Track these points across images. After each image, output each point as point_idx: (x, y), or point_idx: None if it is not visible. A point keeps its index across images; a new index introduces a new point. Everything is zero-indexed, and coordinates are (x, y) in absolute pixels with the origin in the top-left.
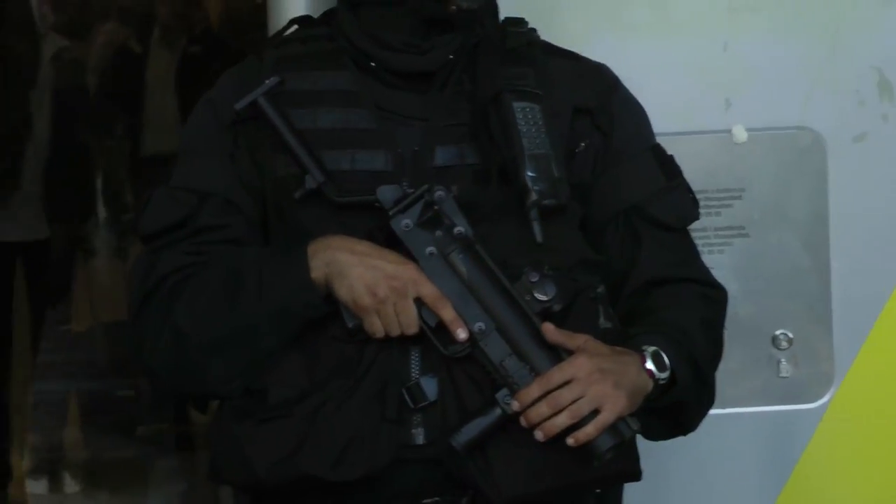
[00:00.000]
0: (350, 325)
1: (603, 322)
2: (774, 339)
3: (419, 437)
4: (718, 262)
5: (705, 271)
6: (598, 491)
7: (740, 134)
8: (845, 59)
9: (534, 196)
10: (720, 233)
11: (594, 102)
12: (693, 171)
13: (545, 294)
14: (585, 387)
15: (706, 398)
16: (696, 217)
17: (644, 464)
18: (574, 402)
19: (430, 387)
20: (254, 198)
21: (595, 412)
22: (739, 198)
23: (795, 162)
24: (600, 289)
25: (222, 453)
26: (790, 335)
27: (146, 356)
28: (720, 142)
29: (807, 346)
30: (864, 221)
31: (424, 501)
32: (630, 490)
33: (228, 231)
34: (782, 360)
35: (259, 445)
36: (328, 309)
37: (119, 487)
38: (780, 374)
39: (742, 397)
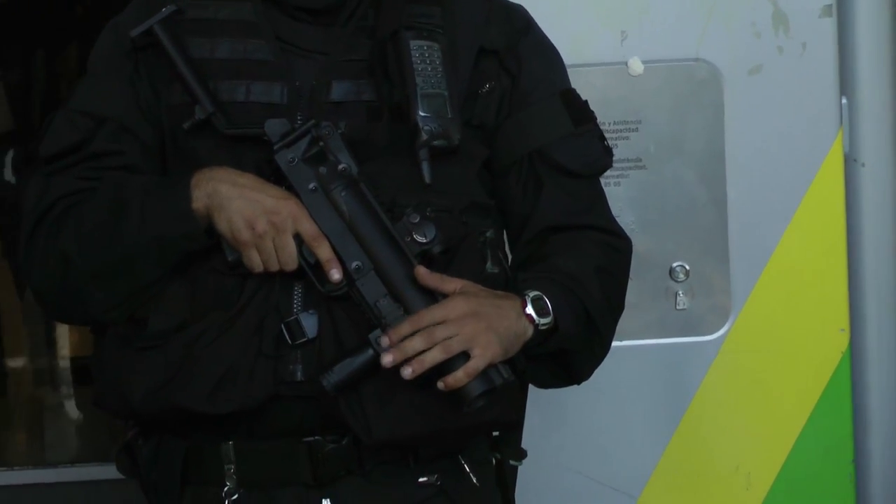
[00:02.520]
0: (230, 258)
1: (490, 267)
2: (671, 272)
3: (297, 373)
4: (615, 194)
5: (609, 219)
6: (493, 433)
7: (636, 66)
8: None
9: (424, 136)
10: (617, 165)
11: (502, 43)
12: (592, 103)
13: (424, 236)
14: (457, 328)
15: (598, 348)
16: (606, 165)
17: (539, 396)
18: (447, 339)
19: (309, 323)
20: (151, 124)
21: (466, 356)
22: (636, 130)
23: (691, 94)
24: (489, 233)
25: (102, 381)
26: (687, 267)
27: (34, 279)
28: (616, 74)
29: (704, 278)
30: (760, 154)
31: (305, 440)
32: (527, 425)
33: (123, 157)
34: (679, 292)
35: (135, 374)
36: (209, 241)
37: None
38: (678, 307)
39: (639, 330)
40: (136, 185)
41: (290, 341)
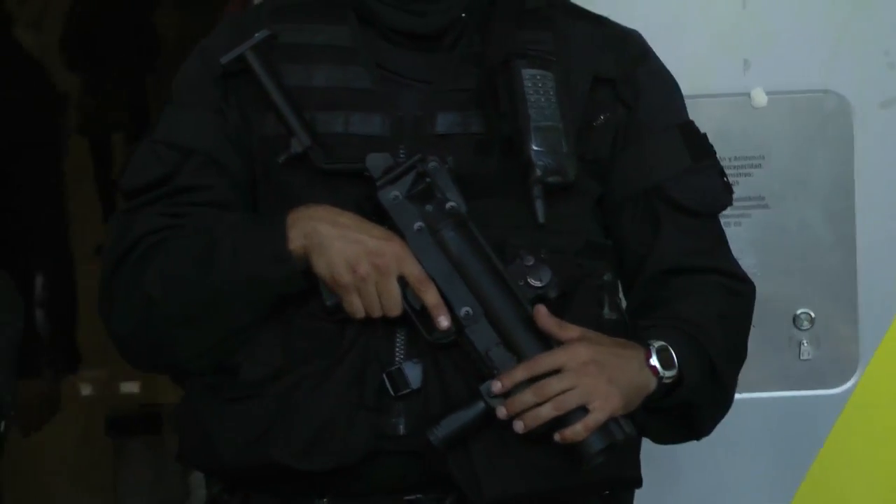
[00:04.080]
0: (328, 303)
1: (608, 312)
2: (795, 319)
3: (399, 426)
4: (735, 235)
5: (731, 262)
6: (606, 492)
7: (759, 97)
8: (872, 17)
9: (538, 172)
10: (737, 204)
11: (618, 72)
12: (709, 137)
13: (539, 279)
14: (576, 378)
15: (721, 400)
16: (726, 204)
17: (651, 452)
18: (562, 393)
19: (413, 373)
20: (241, 157)
21: (585, 410)
22: (758, 166)
23: (818, 128)
24: (607, 276)
25: (189, 434)
26: (812, 315)
27: (115, 323)
28: (738, 106)
29: (830, 326)
30: (892, 192)
31: (406, 498)
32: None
33: (211, 192)
34: (803, 341)
35: (225, 427)
36: (306, 284)
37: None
38: (801, 357)
39: (760, 381)
40: (227, 222)
41: (392, 392)
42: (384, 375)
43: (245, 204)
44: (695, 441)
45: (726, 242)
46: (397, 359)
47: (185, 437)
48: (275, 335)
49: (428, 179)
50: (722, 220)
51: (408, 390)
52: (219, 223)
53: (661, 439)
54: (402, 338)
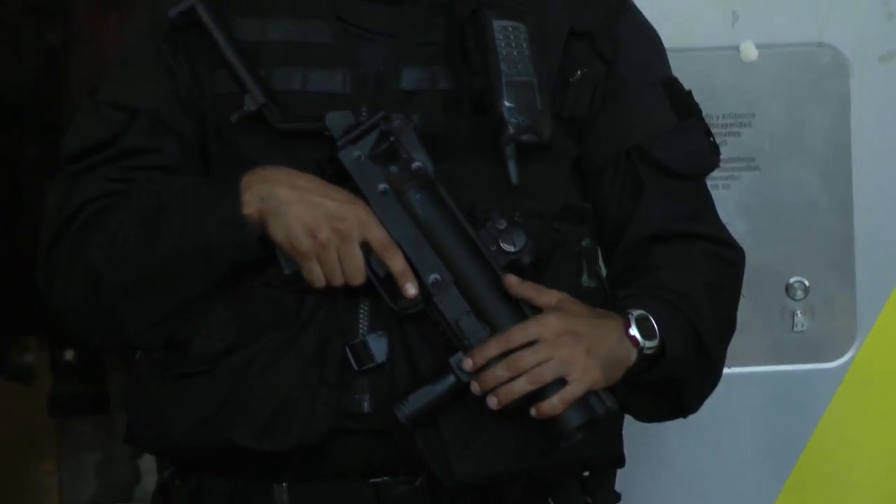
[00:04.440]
0: (287, 271)
1: (586, 280)
2: (788, 289)
3: (364, 403)
4: (724, 199)
5: (719, 227)
6: (585, 473)
7: (749, 51)
8: None
9: (510, 130)
10: (726, 165)
11: (595, 24)
12: (695, 95)
13: (513, 244)
14: (552, 349)
15: (709, 375)
16: (713, 165)
17: (633, 431)
18: (537, 366)
19: (378, 346)
20: (192, 118)
21: (562, 383)
22: (748, 125)
23: (812, 83)
24: (585, 241)
25: (137, 414)
26: (806, 283)
27: (57, 296)
28: (726, 60)
29: (825, 296)
30: (892, 153)
31: (372, 481)
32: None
33: (159, 155)
34: (797, 312)
35: (176, 405)
36: (262, 251)
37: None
38: (795, 329)
39: (750, 355)
40: (177, 187)
41: (355, 367)
42: (347, 349)
43: (196, 168)
44: (681, 419)
45: (713, 206)
46: (361, 331)
47: (131, 416)
48: (229, 307)
49: (392, 138)
50: (709, 184)
51: (372, 364)
52: (168, 188)
53: (644, 417)
54: (366, 308)
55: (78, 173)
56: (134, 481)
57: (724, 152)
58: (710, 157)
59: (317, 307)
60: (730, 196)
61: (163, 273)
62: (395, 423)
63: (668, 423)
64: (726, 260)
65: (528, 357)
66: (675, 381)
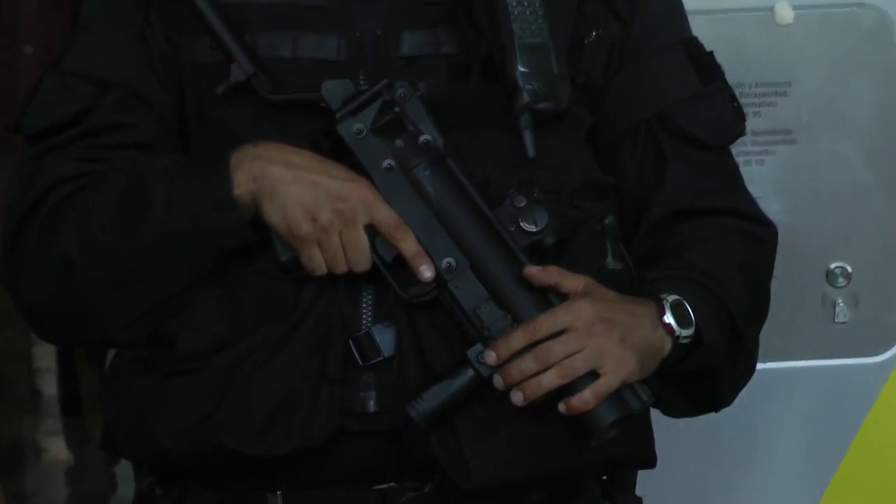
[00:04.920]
0: (283, 258)
1: (611, 262)
2: (829, 275)
3: (370, 402)
4: (757, 175)
5: (749, 201)
6: (605, 476)
7: (785, 13)
8: None
9: (525, 97)
10: (759, 139)
11: None
12: (725, 60)
13: (534, 223)
14: (583, 339)
15: (744, 364)
16: (739, 133)
17: (665, 435)
18: (567, 357)
19: (385, 338)
20: (169, 90)
21: (594, 375)
22: (784, 94)
23: (854, 48)
24: (609, 219)
25: (117, 417)
26: (849, 270)
27: (24, 290)
28: (760, 22)
29: (870, 283)
30: None
31: (377, 488)
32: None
33: (135, 132)
34: (839, 301)
35: (163, 407)
36: (255, 236)
37: None
38: (837, 320)
39: (787, 349)
40: (159, 167)
41: (360, 362)
42: (350, 341)
43: (174, 146)
44: (707, 419)
45: (741, 179)
46: (364, 322)
47: (112, 421)
48: (218, 298)
49: (396, 109)
50: (741, 160)
51: (379, 358)
52: (148, 168)
53: (674, 412)
54: (370, 297)
55: (43, 153)
56: (109, 490)
57: (758, 124)
58: (735, 124)
59: (316, 297)
60: (764, 173)
61: (145, 262)
62: (407, 423)
63: (697, 422)
64: (758, 237)
65: (557, 348)
66: (710, 371)
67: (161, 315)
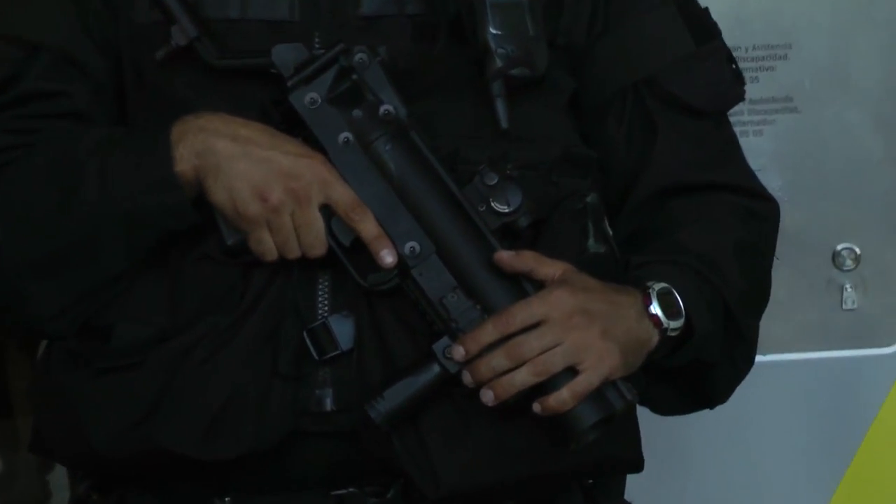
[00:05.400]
0: (229, 241)
1: (593, 245)
2: (836, 257)
3: (326, 400)
4: (755, 147)
5: (748, 174)
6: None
7: None
8: None
9: (498, 62)
10: (757, 107)
11: None
12: (720, 21)
13: (506, 203)
14: (560, 333)
15: (741, 356)
16: (737, 98)
17: (650, 428)
18: (543, 352)
19: (342, 330)
20: (104, 54)
21: (573, 372)
22: (784, 57)
23: (861, 6)
24: (590, 197)
25: (48, 416)
26: (857, 251)
27: None
28: None
29: (881, 266)
30: None
31: (335, 493)
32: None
33: (67, 100)
34: (847, 286)
35: (97, 405)
36: (199, 217)
37: None
38: (845, 306)
39: (791, 339)
40: (92, 140)
41: (315, 356)
42: (305, 333)
43: (110, 116)
44: (706, 414)
45: (740, 150)
46: (320, 312)
47: (42, 421)
48: (158, 285)
49: (354, 76)
50: (738, 130)
51: (336, 352)
52: (80, 141)
53: (664, 409)
54: (326, 284)
55: None
56: (42, 499)
57: (756, 91)
58: (733, 88)
59: (267, 284)
60: (763, 144)
61: (76, 245)
62: (367, 424)
63: (692, 419)
64: (758, 215)
65: (531, 342)
66: (703, 365)
67: (94, 304)
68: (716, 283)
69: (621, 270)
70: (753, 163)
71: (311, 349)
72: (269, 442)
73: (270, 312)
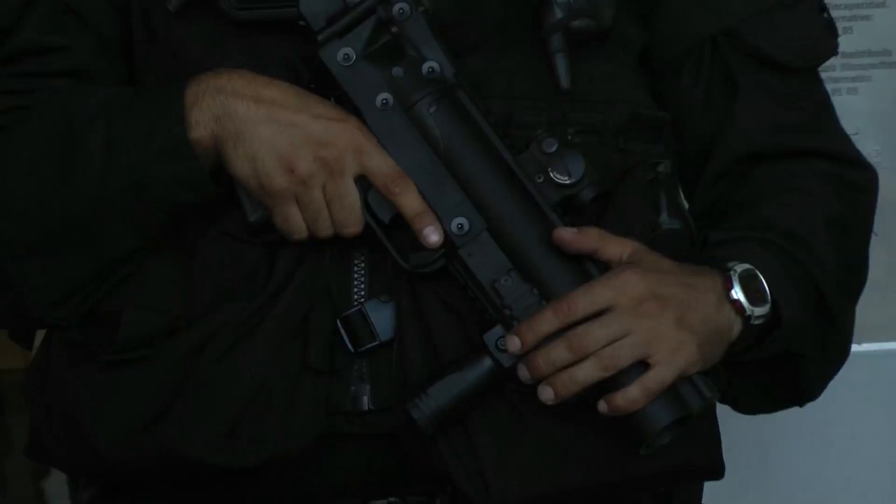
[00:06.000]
0: (252, 218)
1: (666, 220)
2: None
3: (363, 398)
4: (849, 107)
5: (842, 139)
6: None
7: None
8: None
9: (558, 13)
10: (851, 62)
11: None
12: None
13: (567, 174)
14: (630, 321)
15: (835, 346)
16: (829, 52)
17: (729, 426)
18: (610, 344)
19: (381, 318)
20: (111, 3)
21: (643, 366)
22: (882, 4)
23: None
24: (664, 166)
25: (47, 417)
26: None
27: None
28: None
29: None
30: None
31: (373, 503)
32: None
33: (68, 56)
34: None
35: (103, 404)
36: (217, 190)
37: None
38: None
39: (892, 325)
40: (96, 101)
41: (351, 347)
42: (338, 322)
43: (116, 74)
44: (795, 411)
45: (833, 110)
46: (356, 297)
47: (41, 422)
48: (171, 268)
49: (394, 29)
50: (830, 87)
51: (374, 343)
52: (83, 103)
53: (747, 407)
54: (363, 266)
55: None
56: None
57: (849, 44)
58: (825, 40)
59: (295, 266)
60: (858, 104)
61: (78, 222)
62: (409, 426)
63: (775, 416)
64: (854, 185)
65: (597, 332)
66: (791, 357)
67: (99, 288)
68: (806, 264)
69: (698, 250)
70: (847, 125)
71: (346, 340)
72: (297, 446)
73: (299, 298)
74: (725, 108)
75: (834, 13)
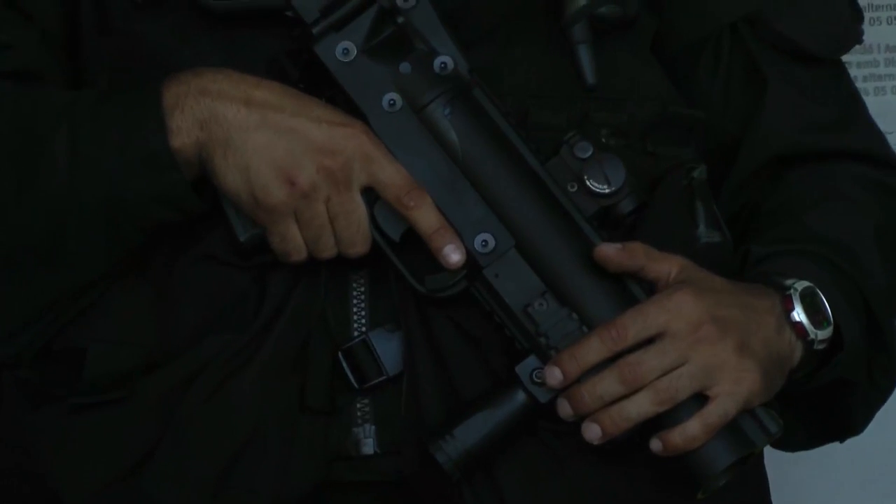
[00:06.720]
0: (243, 237)
1: (704, 232)
2: None
3: (367, 441)
4: (884, 107)
5: (878, 139)
6: None
7: None
8: None
9: (582, 0)
10: (891, 55)
11: None
12: None
13: (606, 181)
14: (686, 348)
15: (882, 372)
16: (856, 40)
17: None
18: (665, 374)
19: (388, 349)
20: None
21: (701, 398)
22: None
23: None
24: (697, 172)
25: (4, 465)
26: None
27: None
28: None
29: None
30: None
31: None
32: None
33: (15, 55)
34: None
35: (70, 453)
36: (202, 206)
37: None
38: None
39: None
40: (52, 107)
41: (355, 384)
42: (340, 355)
43: (62, 74)
44: (835, 447)
45: (864, 106)
46: (356, 326)
47: None
48: (139, 296)
49: (399, 20)
50: (871, 86)
51: (381, 378)
52: (37, 108)
53: (790, 444)
54: (362, 290)
55: None
56: None
57: (887, 36)
58: (851, 27)
59: (289, 291)
60: (894, 103)
61: (36, 241)
62: (427, 471)
63: (817, 455)
64: (893, 190)
65: (651, 361)
66: (845, 385)
67: (56, 320)
68: (857, 281)
69: (736, 265)
70: (885, 124)
71: (349, 375)
72: (294, 496)
73: (294, 328)
74: (750, 103)
75: (877, 4)
